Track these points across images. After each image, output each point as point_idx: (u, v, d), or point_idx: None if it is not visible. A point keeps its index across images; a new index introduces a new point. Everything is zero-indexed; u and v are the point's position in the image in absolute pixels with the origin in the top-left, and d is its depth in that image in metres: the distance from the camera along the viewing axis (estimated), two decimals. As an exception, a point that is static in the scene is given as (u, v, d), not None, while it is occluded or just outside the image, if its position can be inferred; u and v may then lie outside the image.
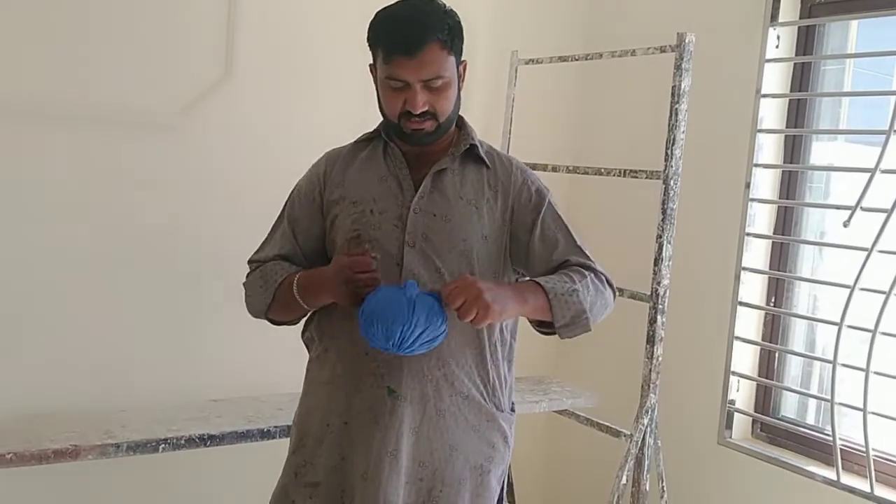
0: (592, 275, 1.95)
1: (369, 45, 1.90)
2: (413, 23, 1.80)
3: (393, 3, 1.90)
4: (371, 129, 2.04)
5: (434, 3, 1.86)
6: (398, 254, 1.88)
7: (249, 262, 2.08)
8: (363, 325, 1.74)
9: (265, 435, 2.56)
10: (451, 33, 1.83)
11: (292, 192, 2.08)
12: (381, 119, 1.98)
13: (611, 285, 2.01)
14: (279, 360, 2.83)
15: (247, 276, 2.06)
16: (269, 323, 2.05)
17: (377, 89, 1.92)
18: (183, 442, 2.43)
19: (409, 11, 1.83)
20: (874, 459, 2.67)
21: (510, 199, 1.97)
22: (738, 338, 3.13)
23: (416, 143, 1.90)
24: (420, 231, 1.88)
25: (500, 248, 1.96)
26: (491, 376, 1.96)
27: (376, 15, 1.90)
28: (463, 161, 1.95)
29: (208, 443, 2.48)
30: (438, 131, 1.88)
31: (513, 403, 2.07)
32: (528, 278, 1.96)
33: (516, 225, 1.97)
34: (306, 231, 2.02)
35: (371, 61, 1.93)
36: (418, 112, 1.83)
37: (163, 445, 2.41)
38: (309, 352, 2.06)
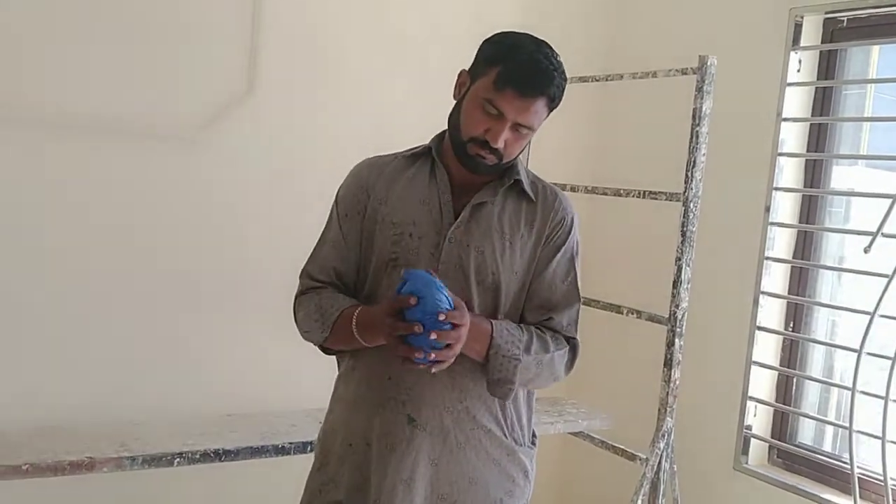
0: (559, 352, 1.92)
1: (483, 59, 1.84)
2: (543, 70, 1.78)
3: (522, 33, 1.85)
4: (416, 145, 1.99)
5: (558, 58, 1.83)
6: None
7: (302, 275, 2.01)
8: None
9: (279, 451, 2.56)
10: (560, 95, 1.83)
11: (336, 201, 2.01)
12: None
13: (572, 361, 1.97)
14: (296, 375, 2.84)
15: (299, 295, 1.99)
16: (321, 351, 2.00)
17: (462, 100, 1.87)
18: (198, 456, 2.44)
19: (543, 57, 1.79)
20: (892, 489, 2.64)
21: (544, 237, 1.93)
22: (755, 362, 3.11)
23: (470, 168, 1.87)
24: (453, 261, 1.86)
25: (527, 282, 1.93)
26: (509, 411, 1.94)
27: (504, 37, 1.85)
28: (505, 193, 1.93)
29: (223, 458, 2.48)
30: (495, 167, 1.86)
31: (534, 436, 2.04)
32: (495, 320, 1.89)
33: (538, 260, 1.94)
34: (357, 245, 1.96)
35: (466, 69, 1.88)
36: (495, 146, 1.81)
37: (178, 459, 2.41)
38: (338, 367, 2.04)
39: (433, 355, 1.70)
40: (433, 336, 1.67)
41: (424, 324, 1.67)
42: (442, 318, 1.68)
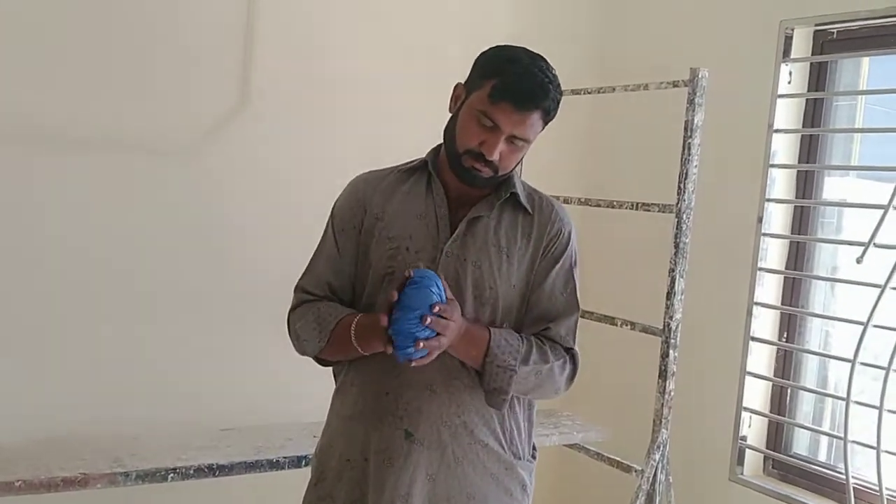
0: (559, 363, 1.90)
1: (479, 72, 1.85)
2: (539, 83, 1.78)
3: (517, 47, 1.86)
4: (412, 159, 1.99)
5: (553, 72, 1.84)
6: None
7: (297, 289, 2.00)
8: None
9: (274, 465, 2.55)
10: (555, 108, 1.83)
11: (332, 215, 2.00)
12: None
13: (573, 375, 1.95)
14: (292, 388, 2.84)
15: (294, 308, 1.98)
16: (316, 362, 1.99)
17: (457, 113, 1.87)
18: (192, 472, 2.43)
19: (538, 70, 1.80)
20: (888, 499, 2.64)
21: (542, 249, 1.93)
22: (750, 373, 3.11)
23: (466, 181, 1.86)
24: (451, 275, 1.85)
25: (525, 295, 1.93)
26: (509, 424, 1.93)
27: (500, 51, 1.85)
28: (502, 207, 1.92)
29: (217, 473, 2.47)
30: (490, 180, 1.85)
31: (534, 449, 2.02)
32: (494, 328, 1.88)
33: (536, 272, 1.94)
34: (353, 260, 1.96)
35: (462, 82, 1.88)
36: (490, 159, 1.80)
37: (171, 475, 2.40)
38: (335, 382, 2.03)
39: (421, 344, 1.68)
40: (412, 321, 1.67)
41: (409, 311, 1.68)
42: (436, 309, 1.69)
